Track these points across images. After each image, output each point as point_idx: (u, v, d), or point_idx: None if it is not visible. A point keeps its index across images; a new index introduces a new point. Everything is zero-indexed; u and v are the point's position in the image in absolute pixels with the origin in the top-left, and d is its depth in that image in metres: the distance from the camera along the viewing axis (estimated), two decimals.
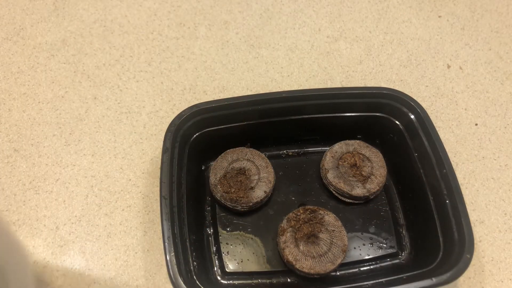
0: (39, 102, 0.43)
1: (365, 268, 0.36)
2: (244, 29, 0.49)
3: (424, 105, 0.39)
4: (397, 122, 0.39)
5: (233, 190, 0.36)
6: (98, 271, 0.35)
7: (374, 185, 0.37)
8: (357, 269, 0.36)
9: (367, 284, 0.32)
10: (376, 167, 0.38)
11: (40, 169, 0.39)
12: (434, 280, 0.30)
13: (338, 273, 0.35)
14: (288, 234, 0.35)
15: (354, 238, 0.37)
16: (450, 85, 0.46)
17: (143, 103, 0.43)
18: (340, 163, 0.39)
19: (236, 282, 0.34)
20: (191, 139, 0.37)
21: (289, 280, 0.35)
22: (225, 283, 0.34)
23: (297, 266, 0.33)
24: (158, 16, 0.49)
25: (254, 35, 0.48)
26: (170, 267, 0.30)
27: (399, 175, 0.39)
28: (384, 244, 0.37)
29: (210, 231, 0.36)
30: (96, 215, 0.37)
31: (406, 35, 0.49)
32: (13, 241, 0.28)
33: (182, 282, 0.30)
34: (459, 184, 0.35)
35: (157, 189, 0.38)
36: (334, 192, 0.38)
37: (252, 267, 0.35)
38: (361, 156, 0.39)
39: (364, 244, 0.37)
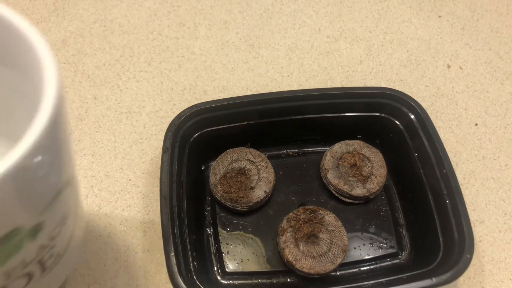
0: None
1: (365, 268, 0.36)
2: (244, 29, 0.49)
3: (424, 105, 0.39)
4: (397, 122, 0.39)
5: (233, 190, 0.36)
6: (98, 271, 0.35)
7: (374, 185, 0.38)
8: (357, 269, 0.36)
9: (367, 284, 0.32)
10: (376, 167, 0.38)
11: None
12: (434, 280, 0.30)
13: (338, 273, 0.35)
14: (288, 234, 0.35)
15: (354, 238, 0.37)
16: (450, 85, 0.46)
17: (143, 103, 0.43)
18: (340, 163, 0.39)
19: (236, 282, 0.34)
20: (191, 139, 0.37)
21: (289, 280, 0.35)
22: (225, 283, 0.34)
23: (297, 266, 0.33)
24: (158, 16, 0.49)
25: (254, 35, 0.48)
26: (170, 267, 0.30)
27: (399, 175, 0.39)
28: (384, 244, 0.37)
29: (210, 231, 0.36)
30: (96, 215, 0.37)
31: (406, 35, 0.49)
32: None
33: (182, 282, 0.30)
34: (459, 184, 0.35)
35: (157, 189, 0.38)
36: (334, 192, 0.38)
37: (252, 267, 0.35)
38: (361, 156, 0.39)
39: (364, 244, 0.37)
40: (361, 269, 0.36)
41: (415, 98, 0.39)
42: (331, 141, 0.40)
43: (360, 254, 0.36)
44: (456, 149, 0.42)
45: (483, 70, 0.47)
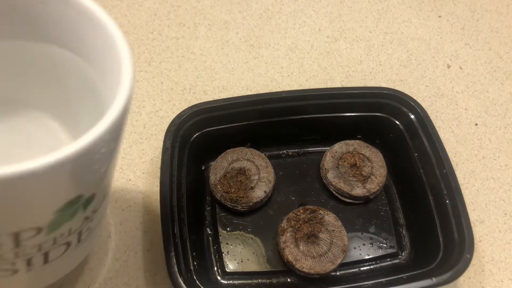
0: None
1: (365, 268, 0.36)
2: (244, 29, 0.49)
3: (424, 105, 0.39)
4: (397, 122, 0.39)
5: (233, 190, 0.36)
6: (98, 271, 0.35)
7: (374, 185, 0.38)
8: (357, 269, 0.36)
9: (367, 284, 0.32)
10: (376, 167, 0.38)
11: None
12: (434, 280, 0.30)
13: (338, 273, 0.35)
14: (288, 234, 0.35)
15: (354, 238, 0.37)
16: (450, 85, 0.46)
17: (143, 103, 0.43)
18: (340, 163, 0.39)
19: (236, 282, 0.34)
20: (191, 139, 0.37)
21: (289, 280, 0.35)
22: (225, 283, 0.34)
23: (297, 266, 0.33)
24: (158, 16, 0.49)
25: (254, 35, 0.48)
26: (170, 267, 0.30)
27: (399, 175, 0.39)
28: (384, 244, 0.37)
29: (210, 231, 0.36)
30: None
31: (406, 35, 0.49)
32: None
33: (182, 282, 0.30)
34: (459, 184, 0.35)
35: (157, 189, 0.38)
36: (334, 192, 0.38)
37: (252, 267, 0.35)
38: (361, 156, 0.39)
39: (364, 244, 0.37)
40: (361, 269, 0.36)
41: (415, 98, 0.39)
42: (331, 141, 0.40)
43: (360, 254, 0.36)
44: (456, 149, 0.42)
45: (483, 70, 0.47)
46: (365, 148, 0.40)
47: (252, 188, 0.37)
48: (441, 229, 0.34)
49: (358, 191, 0.37)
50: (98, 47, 0.22)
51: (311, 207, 0.36)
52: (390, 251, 0.36)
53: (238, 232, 0.37)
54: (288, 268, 0.35)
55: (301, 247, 0.34)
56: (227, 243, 0.36)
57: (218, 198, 0.37)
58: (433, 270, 0.32)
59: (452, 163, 0.36)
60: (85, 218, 0.22)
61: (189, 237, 0.33)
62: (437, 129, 0.37)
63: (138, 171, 0.39)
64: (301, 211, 0.36)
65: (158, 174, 0.34)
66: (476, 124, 0.44)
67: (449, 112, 0.44)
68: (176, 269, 0.30)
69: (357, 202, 0.38)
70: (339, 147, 0.40)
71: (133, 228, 0.37)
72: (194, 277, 0.31)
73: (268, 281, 0.35)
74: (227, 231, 0.37)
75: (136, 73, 0.45)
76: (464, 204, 0.33)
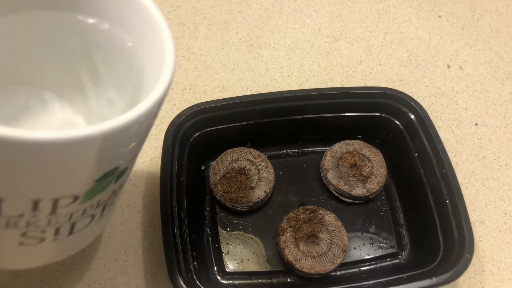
0: None
1: (365, 268, 0.36)
2: (244, 29, 0.49)
3: (424, 105, 0.39)
4: (397, 122, 0.39)
5: (233, 190, 0.36)
6: (98, 271, 0.35)
7: (374, 185, 0.37)
8: (357, 269, 0.36)
9: (367, 284, 0.32)
10: (376, 167, 0.38)
11: None
12: (434, 280, 0.30)
13: (338, 273, 0.35)
14: (288, 234, 0.35)
15: (354, 238, 0.37)
16: (450, 85, 0.46)
17: None
18: (340, 163, 0.39)
19: (236, 282, 0.34)
20: (191, 139, 0.37)
21: (289, 280, 0.35)
22: (225, 283, 0.34)
23: (297, 266, 0.33)
24: None
25: (254, 35, 0.48)
26: (170, 267, 0.30)
27: (399, 175, 0.39)
28: (384, 244, 0.37)
29: (210, 231, 0.36)
30: None
31: (406, 35, 0.49)
32: None
33: (182, 282, 0.30)
34: (459, 184, 0.35)
35: (157, 189, 0.38)
36: (334, 192, 0.38)
37: (252, 267, 0.35)
38: (361, 156, 0.39)
39: (364, 244, 0.37)
40: (361, 269, 0.36)
41: (415, 98, 0.39)
42: (331, 141, 0.40)
43: (360, 254, 0.36)
44: (456, 149, 0.42)
45: (483, 70, 0.47)
46: (365, 148, 0.40)
47: (252, 188, 0.37)
48: (441, 229, 0.34)
49: (358, 191, 0.37)
50: (138, 23, 0.23)
51: (311, 207, 0.36)
52: (390, 251, 0.36)
53: (238, 232, 0.37)
54: (288, 268, 0.35)
55: (301, 247, 0.34)
56: (227, 243, 0.36)
57: (218, 198, 0.37)
58: (433, 270, 0.32)
59: (452, 163, 0.36)
60: (112, 192, 0.23)
61: (189, 237, 0.33)
62: (437, 129, 0.37)
63: (138, 171, 0.39)
64: (301, 211, 0.36)
65: (158, 174, 0.34)
66: (476, 124, 0.44)
67: (449, 112, 0.44)
68: (176, 269, 0.30)
69: (357, 202, 0.38)
70: (339, 147, 0.40)
71: (133, 228, 0.37)
72: (194, 277, 0.31)
73: (268, 281, 0.35)
74: (227, 231, 0.37)
75: None
76: (464, 204, 0.33)
